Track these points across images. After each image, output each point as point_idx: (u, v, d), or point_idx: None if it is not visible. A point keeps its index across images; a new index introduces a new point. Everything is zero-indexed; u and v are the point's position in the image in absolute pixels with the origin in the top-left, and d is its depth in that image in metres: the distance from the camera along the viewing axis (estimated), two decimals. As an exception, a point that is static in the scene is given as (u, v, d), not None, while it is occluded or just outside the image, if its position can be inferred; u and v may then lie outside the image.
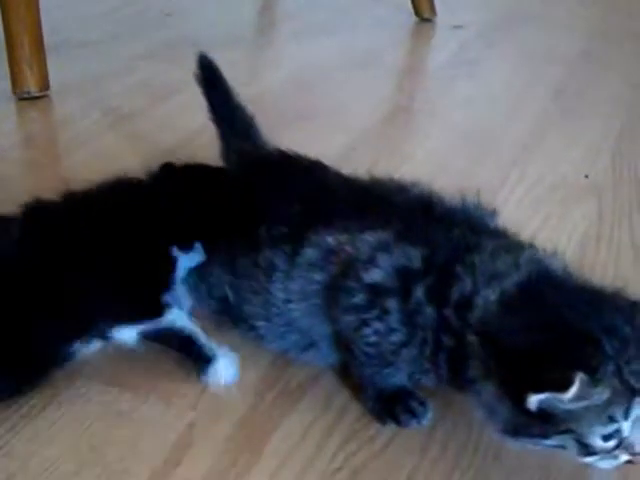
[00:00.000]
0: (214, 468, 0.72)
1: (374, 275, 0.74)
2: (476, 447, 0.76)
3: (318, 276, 0.78)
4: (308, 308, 0.80)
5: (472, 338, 0.70)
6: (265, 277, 0.82)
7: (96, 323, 0.81)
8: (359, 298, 0.75)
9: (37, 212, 0.85)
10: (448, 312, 0.72)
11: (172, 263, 0.86)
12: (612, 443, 0.67)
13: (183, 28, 1.81)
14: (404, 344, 0.74)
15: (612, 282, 0.99)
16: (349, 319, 0.76)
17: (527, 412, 0.65)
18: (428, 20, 1.91)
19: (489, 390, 0.69)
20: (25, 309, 0.77)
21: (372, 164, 1.20)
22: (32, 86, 1.38)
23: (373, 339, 0.75)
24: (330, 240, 0.78)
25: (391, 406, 0.79)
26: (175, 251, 0.86)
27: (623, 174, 1.29)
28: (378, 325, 0.75)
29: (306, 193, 0.85)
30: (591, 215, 1.17)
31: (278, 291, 0.81)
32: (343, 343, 0.80)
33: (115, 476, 0.71)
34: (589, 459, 0.69)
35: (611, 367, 0.64)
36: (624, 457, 0.68)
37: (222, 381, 0.82)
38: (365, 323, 0.75)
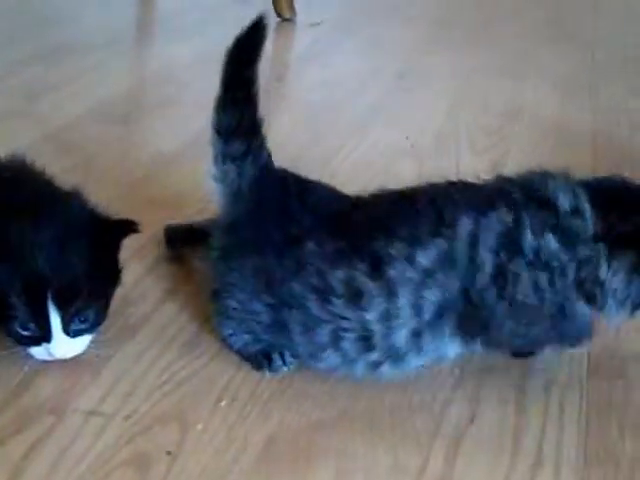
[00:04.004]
0: (57, 388, 0.85)
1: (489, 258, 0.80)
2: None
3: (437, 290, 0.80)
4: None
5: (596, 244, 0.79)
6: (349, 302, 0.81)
7: None
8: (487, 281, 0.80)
9: None
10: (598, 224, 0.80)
11: None
12: None
13: (62, 34, 1.93)
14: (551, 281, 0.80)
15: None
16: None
17: None
18: (289, 20, 2.06)
19: (619, 276, 0.79)
20: None
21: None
22: None
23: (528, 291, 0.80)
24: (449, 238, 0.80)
25: None
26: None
27: (446, 140, 1.47)
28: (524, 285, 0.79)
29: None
30: (412, 176, 1.33)
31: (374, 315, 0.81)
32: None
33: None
34: None
35: None
36: None
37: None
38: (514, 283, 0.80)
